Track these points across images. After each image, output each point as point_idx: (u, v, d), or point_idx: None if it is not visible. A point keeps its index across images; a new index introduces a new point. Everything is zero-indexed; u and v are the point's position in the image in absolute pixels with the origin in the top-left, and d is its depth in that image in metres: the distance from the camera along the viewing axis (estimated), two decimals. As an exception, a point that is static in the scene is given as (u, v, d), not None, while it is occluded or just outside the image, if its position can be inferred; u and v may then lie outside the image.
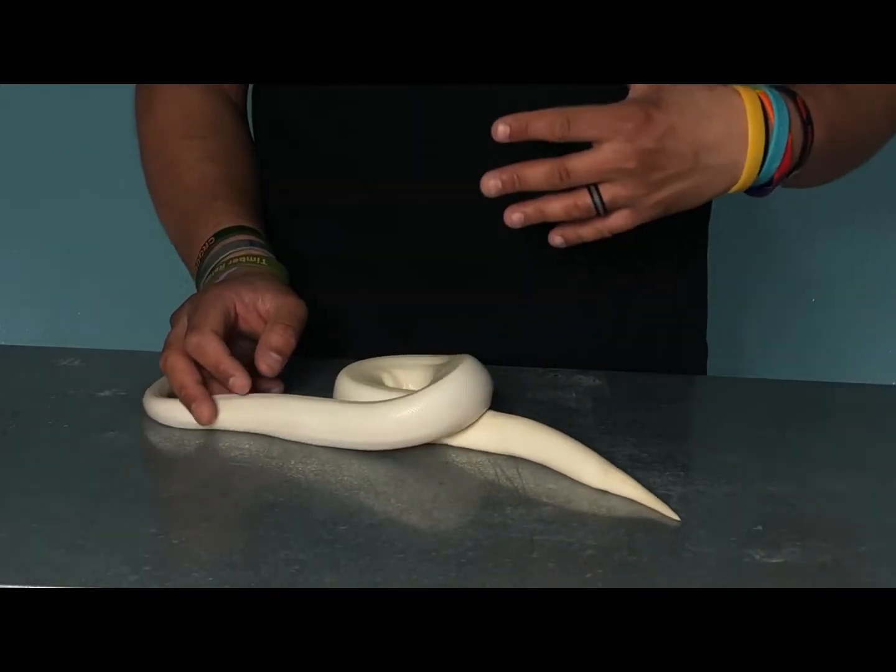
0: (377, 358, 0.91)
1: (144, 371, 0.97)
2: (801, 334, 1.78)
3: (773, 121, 0.86)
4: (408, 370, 0.89)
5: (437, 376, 0.82)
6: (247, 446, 0.82)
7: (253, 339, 0.89)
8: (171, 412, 0.86)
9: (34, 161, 1.77)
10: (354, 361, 0.90)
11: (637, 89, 0.88)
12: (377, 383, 0.87)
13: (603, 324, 1.07)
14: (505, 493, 0.77)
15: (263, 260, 0.97)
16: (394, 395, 0.82)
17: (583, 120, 0.86)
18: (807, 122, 0.88)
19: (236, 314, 0.89)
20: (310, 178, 1.09)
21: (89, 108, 1.72)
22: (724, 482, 0.79)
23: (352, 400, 0.85)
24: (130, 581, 0.63)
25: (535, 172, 0.88)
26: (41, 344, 1.42)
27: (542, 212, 0.90)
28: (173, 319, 0.91)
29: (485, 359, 0.88)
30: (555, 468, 0.79)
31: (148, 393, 0.89)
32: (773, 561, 0.68)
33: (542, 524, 0.72)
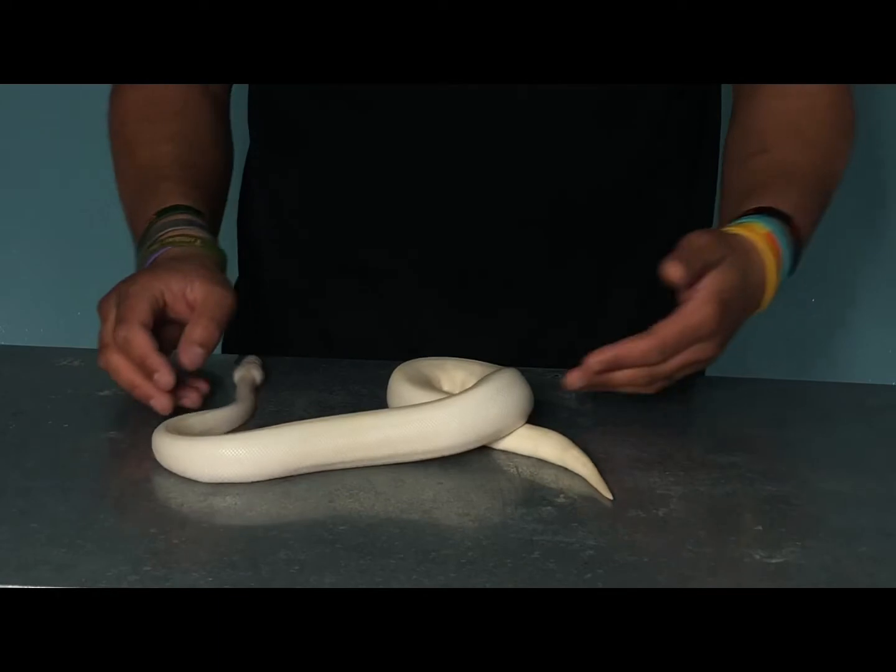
0: (427, 359, 0.90)
1: (144, 371, 0.97)
2: (800, 334, 1.77)
3: (782, 260, 0.94)
4: (448, 373, 0.88)
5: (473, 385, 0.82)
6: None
7: (182, 325, 0.89)
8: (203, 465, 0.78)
9: (34, 161, 1.77)
10: (406, 361, 0.89)
11: (704, 286, 0.87)
12: (429, 385, 0.86)
13: (604, 324, 1.07)
14: (505, 493, 0.77)
15: (198, 241, 0.96)
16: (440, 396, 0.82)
17: (672, 345, 0.85)
18: (801, 245, 0.97)
19: (164, 303, 0.90)
20: (316, 182, 1.09)
21: (90, 107, 1.71)
22: (724, 482, 0.79)
23: (405, 401, 0.84)
24: (130, 581, 0.63)
25: (624, 377, 0.86)
26: (41, 344, 1.42)
27: (609, 382, 0.87)
28: (102, 311, 0.91)
29: (485, 359, 0.88)
30: (518, 448, 0.81)
31: (164, 436, 0.80)
32: (773, 561, 0.68)
33: (542, 524, 0.72)
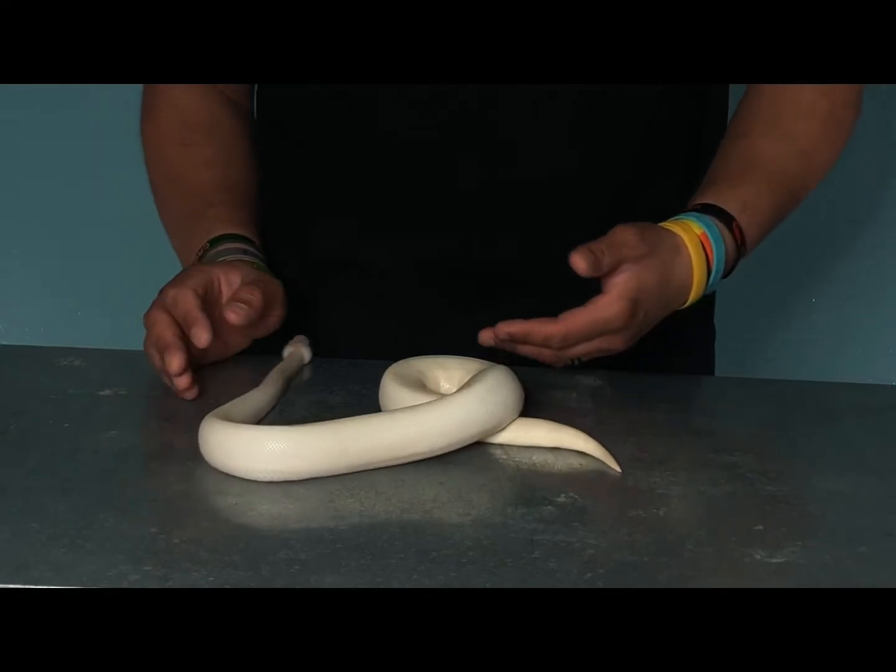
0: (420, 358, 0.90)
1: (144, 371, 0.97)
2: (801, 334, 1.77)
3: (713, 262, 0.96)
4: (449, 371, 0.89)
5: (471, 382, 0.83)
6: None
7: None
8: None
9: (34, 161, 1.77)
10: (399, 361, 0.89)
11: (618, 283, 0.90)
12: (420, 386, 0.86)
13: None
14: (506, 493, 0.77)
15: (255, 266, 0.99)
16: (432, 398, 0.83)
17: (576, 335, 0.90)
18: (740, 245, 0.98)
19: (220, 290, 0.94)
20: (317, 182, 1.09)
21: (90, 107, 1.72)
22: (724, 482, 0.79)
23: (397, 402, 0.84)
24: (131, 581, 0.63)
25: (529, 351, 0.92)
26: (41, 344, 1.42)
27: (514, 350, 0.92)
28: (161, 292, 0.95)
29: (485, 358, 0.88)
30: (512, 440, 0.82)
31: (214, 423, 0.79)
32: (774, 561, 0.68)
33: (542, 524, 0.72)
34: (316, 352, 1.00)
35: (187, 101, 1.11)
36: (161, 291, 0.95)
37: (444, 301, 1.06)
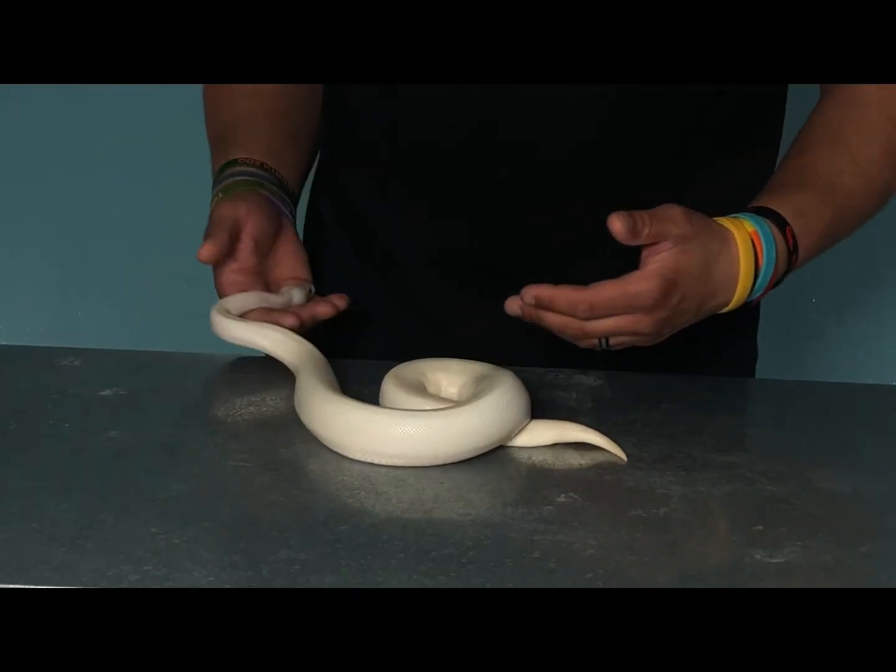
0: (422, 361, 0.90)
1: (144, 371, 0.97)
2: (800, 334, 1.77)
3: (762, 262, 0.93)
4: (451, 376, 0.88)
5: (478, 391, 0.83)
6: (247, 445, 0.82)
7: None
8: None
9: (35, 161, 1.77)
10: (398, 364, 0.89)
11: (656, 260, 0.88)
12: (421, 390, 0.86)
13: None
14: (505, 493, 0.77)
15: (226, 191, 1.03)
16: (437, 404, 0.83)
17: (603, 305, 0.87)
18: (792, 251, 0.95)
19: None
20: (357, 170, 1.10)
21: (91, 107, 1.72)
22: (724, 482, 0.79)
23: (397, 406, 0.84)
24: (131, 581, 0.63)
25: (554, 320, 0.89)
26: (41, 344, 1.42)
27: (540, 320, 0.91)
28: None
29: (485, 359, 0.88)
30: (517, 441, 0.83)
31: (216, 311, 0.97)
32: (774, 561, 0.68)
33: (542, 524, 0.72)
34: (334, 351, 0.99)
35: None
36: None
37: (434, 298, 1.06)
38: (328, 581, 0.64)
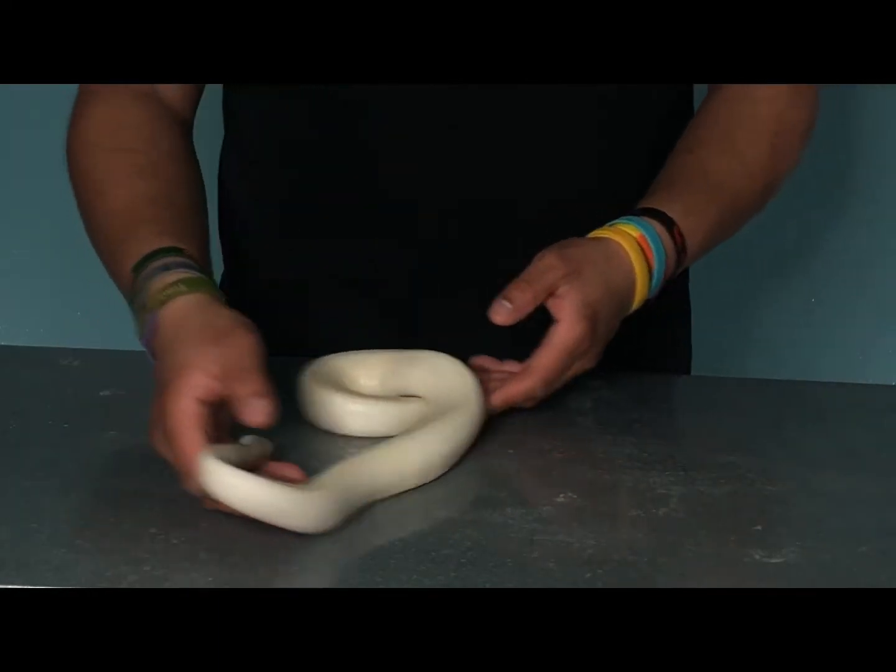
0: (336, 356, 0.90)
1: (144, 371, 0.97)
2: (801, 334, 1.77)
3: (654, 263, 0.95)
4: (368, 369, 0.89)
5: (401, 384, 0.84)
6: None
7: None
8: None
9: (34, 161, 1.77)
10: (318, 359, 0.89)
11: (564, 306, 0.89)
12: (340, 385, 0.86)
13: None
14: (505, 493, 0.77)
15: (182, 285, 0.84)
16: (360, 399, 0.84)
17: (554, 375, 0.88)
18: (681, 250, 0.97)
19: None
20: (307, 189, 1.08)
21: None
22: (724, 482, 0.79)
23: (319, 402, 0.84)
24: (130, 581, 0.63)
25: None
26: (41, 344, 1.42)
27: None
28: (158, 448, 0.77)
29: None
30: None
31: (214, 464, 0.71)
32: (773, 561, 0.68)
33: (542, 524, 0.72)
34: (306, 351, 0.97)
35: (123, 107, 1.00)
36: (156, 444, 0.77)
37: (432, 298, 1.06)
38: (328, 581, 0.64)
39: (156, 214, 0.93)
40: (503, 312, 0.88)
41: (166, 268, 0.86)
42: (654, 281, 0.95)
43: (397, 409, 0.85)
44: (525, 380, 0.88)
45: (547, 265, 0.90)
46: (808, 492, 0.79)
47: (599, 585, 0.65)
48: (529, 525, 0.72)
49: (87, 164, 0.99)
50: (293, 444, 0.81)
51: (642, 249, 0.94)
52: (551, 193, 1.03)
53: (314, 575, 0.65)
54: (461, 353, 0.90)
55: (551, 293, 0.89)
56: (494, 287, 0.92)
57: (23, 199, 1.79)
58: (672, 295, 1.12)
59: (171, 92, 1.03)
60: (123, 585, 0.63)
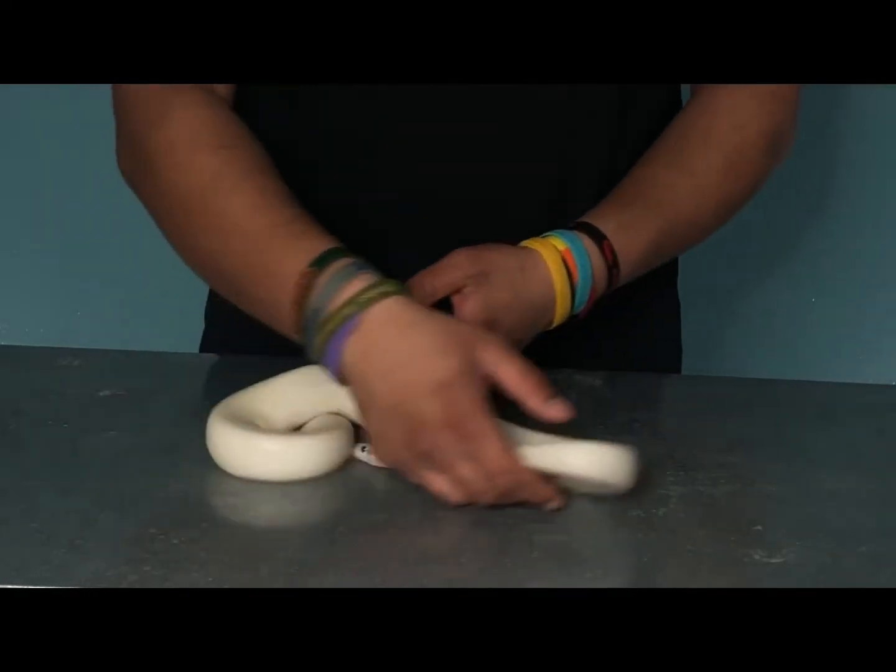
0: (242, 393, 0.83)
1: (144, 371, 0.97)
2: (801, 334, 1.77)
3: (577, 278, 0.93)
4: (275, 407, 0.83)
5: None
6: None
7: None
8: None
9: (34, 161, 1.77)
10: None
11: (465, 308, 0.89)
12: (251, 424, 0.80)
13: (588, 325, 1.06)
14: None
15: (385, 286, 0.80)
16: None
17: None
18: (612, 266, 0.95)
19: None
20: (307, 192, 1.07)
21: (89, 107, 1.71)
22: (724, 482, 0.79)
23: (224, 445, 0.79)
24: (130, 581, 0.63)
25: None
26: (41, 344, 1.42)
27: None
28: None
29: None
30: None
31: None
32: (773, 561, 0.68)
33: (542, 524, 0.72)
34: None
35: (201, 109, 0.95)
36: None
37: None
38: (328, 581, 0.64)
39: (297, 213, 0.88)
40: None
41: (358, 267, 0.82)
42: (577, 296, 0.94)
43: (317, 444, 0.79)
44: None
45: (455, 262, 0.90)
46: (808, 492, 0.79)
47: (599, 585, 0.65)
48: (529, 525, 0.72)
49: (186, 164, 0.92)
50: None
51: (566, 263, 0.93)
52: (541, 194, 1.03)
53: (313, 575, 0.65)
54: None
55: (457, 290, 0.89)
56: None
57: (24, 200, 1.79)
58: (662, 292, 1.12)
59: (224, 89, 0.99)
60: (123, 585, 0.63)
